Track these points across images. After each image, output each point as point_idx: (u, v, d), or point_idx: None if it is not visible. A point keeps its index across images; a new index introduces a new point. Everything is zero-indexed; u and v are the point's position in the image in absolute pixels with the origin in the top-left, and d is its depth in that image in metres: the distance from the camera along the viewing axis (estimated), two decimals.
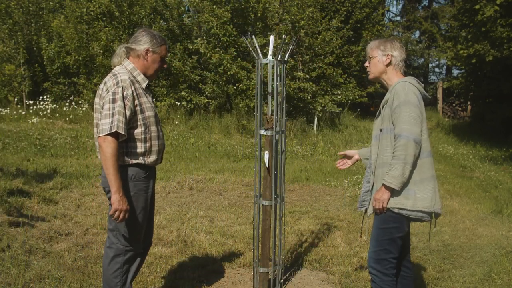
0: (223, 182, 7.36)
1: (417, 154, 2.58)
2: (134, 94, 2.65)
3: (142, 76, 2.77)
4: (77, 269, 3.72)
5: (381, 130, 2.74)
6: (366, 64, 2.89)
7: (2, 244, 3.90)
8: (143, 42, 2.74)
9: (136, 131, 2.68)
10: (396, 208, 2.62)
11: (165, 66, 2.86)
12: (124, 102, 2.58)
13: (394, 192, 2.61)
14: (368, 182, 2.82)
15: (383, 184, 2.61)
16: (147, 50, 2.74)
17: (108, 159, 2.53)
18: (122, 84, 2.61)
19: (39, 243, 4.16)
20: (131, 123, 2.65)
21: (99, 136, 2.58)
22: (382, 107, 2.76)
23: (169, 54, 13.81)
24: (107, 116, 2.56)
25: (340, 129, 14.57)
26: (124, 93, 2.60)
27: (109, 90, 2.60)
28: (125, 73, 2.69)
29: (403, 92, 2.61)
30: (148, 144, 2.73)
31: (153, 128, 2.75)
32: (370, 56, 2.83)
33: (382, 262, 2.70)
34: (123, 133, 2.56)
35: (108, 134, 2.53)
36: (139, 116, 2.68)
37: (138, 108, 2.67)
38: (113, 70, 2.73)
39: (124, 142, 2.67)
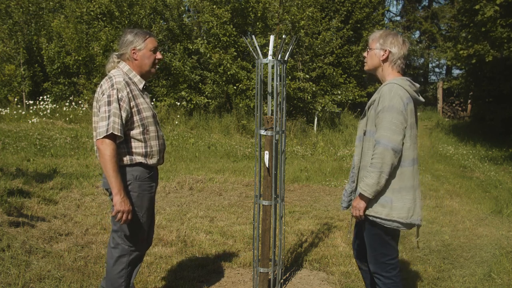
0: (223, 182, 7.36)
1: (395, 163, 2.48)
2: (130, 95, 2.65)
3: (139, 77, 2.78)
4: (77, 269, 3.72)
5: (364, 132, 2.66)
6: (364, 54, 2.77)
7: (2, 244, 3.90)
8: (127, 44, 2.74)
9: (134, 132, 2.69)
10: (371, 216, 2.57)
11: (158, 57, 2.82)
12: (119, 104, 2.59)
13: (370, 199, 2.55)
14: (353, 182, 2.76)
15: (359, 193, 2.55)
16: (133, 50, 2.74)
17: (108, 162, 2.53)
18: (117, 86, 2.61)
19: (39, 243, 4.16)
20: (128, 124, 2.66)
21: (97, 139, 2.58)
22: (368, 108, 2.66)
23: (169, 54, 13.83)
24: (103, 119, 2.57)
25: (340, 129, 14.58)
26: (119, 95, 2.60)
27: (104, 93, 2.61)
28: (120, 75, 2.69)
29: (389, 96, 2.48)
30: (148, 145, 2.74)
31: (151, 128, 2.75)
32: (370, 47, 2.71)
33: (381, 265, 2.67)
34: (119, 134, 2.56)
35: (105, 137, 2.54)
36: (137, 117, 2.68)
37: (135, 109, 2.67)
38: (109, 73, 2.74)
39: (125, 143, 2.68)
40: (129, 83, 2.69)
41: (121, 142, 2.66)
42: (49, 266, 3.69)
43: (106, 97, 2.59)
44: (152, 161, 2.77)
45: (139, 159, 2.71)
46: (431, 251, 4.62)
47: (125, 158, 2.68)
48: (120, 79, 2.65)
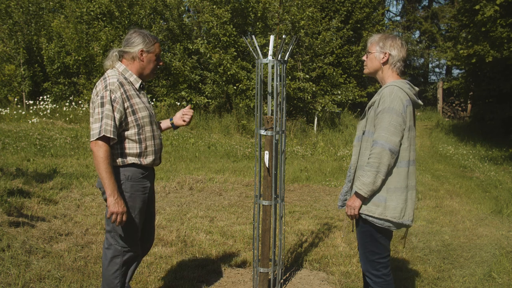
0: (223, 182, 7.36)
1: (392, 164, 2.52)
2: (124, 96, 2.64)
3: (135, 76, 2.76)
4: (77, 269, 3.72)
5: (363, 132, 2.69)
6: (364, 58, 2.80)
7: (2, 244, 3.90)
8: (136, 44, 2.73)
9: (129, 132, 2.68)
10: (364, 214, 2.60)
11: (161, 64, 2.87)
12: (112, 106, 2.58)
13: (365, 198, 2.57)
14: (350, 182, 2.79)
15: (355, 191, 2.58)
16: (142, 51, 2.73)
17: (101, 163, 2.54)
18: (110, 87, 2.61)
19: (39, 243, 4.16)
20: (123, 125, 2.65)
21: (90, 141, 2.59)
22: (368, 108, 2.70)
23: (169, 54, 13.83)
24: (96, 120, 2.57)
25: (340, 129, 14.59)
26: (113, 96, 2.59)
27: (98, 94, 2.61)
28: (115, 75, 2.68)
29: (389, 98, 2.52)
30: (143, 145, 2.73)
31: (147, 128, 2.74)
32: (369, 51, 2.75)
33: (371, 263, 2.68)
34: (111, 136, 2.56)
35: (98, 139, 2.55)
36: (132, 118, 2.67)
37: (129, 110, 2.66)
38: (104, 74, 2.74)
39: (119, 143, 2.67)
40: (124, 83, 2.68)
41: (115, 143, 2.65)
42: (49, 266, 3.69)
43: (99, 99, 2.59)
44: (146, 161, 2.76)
45: (132, 159, 2.70)
46: (431, 251, 4.62)
47: (118, 159, 2.67)
48: (114, 79, 2.64)
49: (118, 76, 2.68)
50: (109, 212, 2.57)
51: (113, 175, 2.57)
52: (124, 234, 2.74)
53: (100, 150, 2.54)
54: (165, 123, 3.15)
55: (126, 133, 2.67)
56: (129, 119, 2.66)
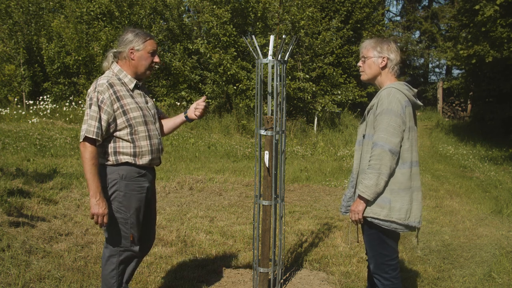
0: (223, 182, 7.37)
1: (393, 165, 2.51)
2: (113, 97, 2.64)
3: (130, 77, 2.76)
4: (77, 269, 3.72)
5: (364, 135, 2.68)
6: (360, 64, 2.74)
7: (2, 244, 3.90)
8: (126, 43, 2.73)
9: (121, 132, 2.68)
10: (369, 217, 2.58)
11: (156, 60, 2.82)
12: (99, 107, 2.60)
13: (368, 201, 2.56)
14: (353, 187, 2.77)
15: (358, 195, 2.57)
16: (131, 49, 2.72)
17: (86, 164, 2.56)
18: (98, 88, 2.62)
19: (39, 243, 4.16)
20: (113, 126, 2.66)
21: (79, 142, 2.62)
22: (367, 112, 2.68)
23: (169, 54, 13.83)
24: (84, 122, 2.60)
25: (340, 129, 14.59)
26: (100, 97, 2.61)
27: (88, 96, 2.65)
28: (105, 77, 2.69)
29: (387, 99, 2.51)
30: (137, 145, 2.72)
31: (140, 128, 2.72)
32: (365, 56, 2.70)
33: (380, 266, 2.67)
34: (94, 137, 2.57)
35: (84, 140, 2.57)
36: (123, 118, 2.67)
37: (119, 110, 2.66)
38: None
39: (112, 143, 2.68)
40: (115, 83, 2.67)
41: (108, 142, 2.67)
42: (49, 266, 3.69)
43: (88, 100, 2.63)
44: (142, 161, 2.74)
45: (126, 158, 2.70)
46: (431, 251, 4.62)
47: (110, 158, 2.67)
48: (103, 81, 2.65)
49: (109, 77, 2.68)
50: (90, 213, 2.60)
51: (97, 176, 2.58)
52: (120, 234, 2.74)
53: (86, 151, 2.57)
54: (179, 118, 3.11)
55: (118, 133, 2.68)
56: (120, 119, 2.66)
